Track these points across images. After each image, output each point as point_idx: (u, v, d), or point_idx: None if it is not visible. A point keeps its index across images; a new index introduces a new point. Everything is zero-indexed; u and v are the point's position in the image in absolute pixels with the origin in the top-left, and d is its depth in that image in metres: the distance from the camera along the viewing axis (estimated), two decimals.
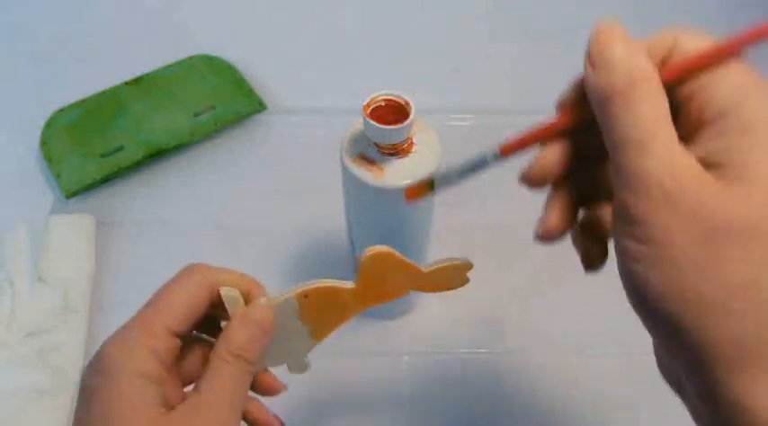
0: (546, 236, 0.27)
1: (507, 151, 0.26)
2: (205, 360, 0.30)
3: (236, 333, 0.29)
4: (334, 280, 0.31)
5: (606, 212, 0.28)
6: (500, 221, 0.55)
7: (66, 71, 0.70)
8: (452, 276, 0.32)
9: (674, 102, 0.23)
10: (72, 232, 0.55)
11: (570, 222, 0.27)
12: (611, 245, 0.26)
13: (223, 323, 0.31)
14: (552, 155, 0.26)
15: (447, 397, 0.50)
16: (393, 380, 0.50)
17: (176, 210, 0.59)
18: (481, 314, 0.53)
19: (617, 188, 0.22)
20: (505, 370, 0.51)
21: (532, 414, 0.49)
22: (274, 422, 0.33)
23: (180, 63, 0.68)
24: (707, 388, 0.21)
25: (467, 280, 0.32)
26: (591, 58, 0.23)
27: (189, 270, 0.31)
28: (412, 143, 0.38)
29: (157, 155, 0.61)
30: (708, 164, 0.21)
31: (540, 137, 0.26)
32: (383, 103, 0.37)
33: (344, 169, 0.39)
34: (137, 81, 0.66)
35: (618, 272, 0.23)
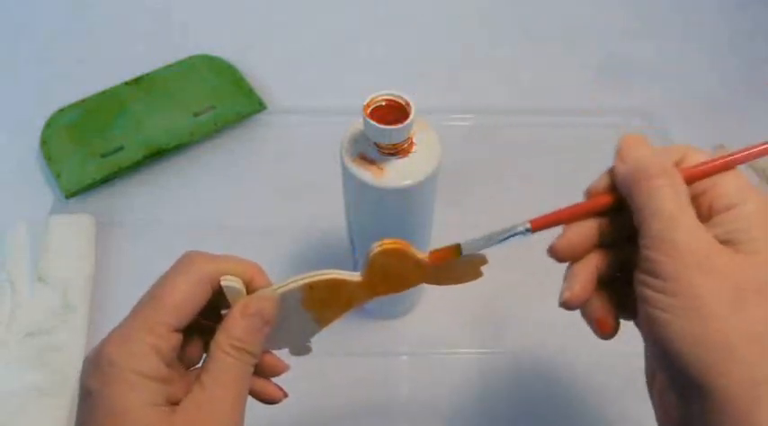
0: (570, 304, 0.30)
1: (538, 227, 0.29)
2: (206, 344, 0.29)
3: (236, 325, 0.29)
4: (340, 272, 0.31)
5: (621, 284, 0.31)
6: (500, 221, 0.55)
7: (66, 71, 0.70)
8: (467, 270, 0.31)
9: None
10: (72, 232, 0.55)
11: (591, 292, 0.30)
12: None
13: (223, 312, 0.30)
14: (580, 233, 0.30)
15: (447, 397, 0.50)
16: (393, 380, 0.50)
17: (176, 210, 0.59)
18: (481, 314, 0.53)
19: (646, 250, 0.26)
20: (505, 370, 0.51)
21: (532, 414, 0.49)
22: (277, 392, 0.33)
23: (180, 63, 0.68)
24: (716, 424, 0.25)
25: (480, 274, 0.31)
26: (621, 155, 0.29)
27: (188, 260, 0.30)
28: (412, 143, 0.38)
29: (157, 155, 0.61)
30: (722, 241, 0.26)
31: (571, 217, 0.30)
32: (383, 103, 0.37)
33: (344, 169, 0.39)
34: (137, 81, 0.66)
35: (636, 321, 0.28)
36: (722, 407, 0.24)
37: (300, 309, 0.31)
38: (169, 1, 0.76)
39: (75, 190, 0.59)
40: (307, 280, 0.30)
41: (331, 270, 0.31)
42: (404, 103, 0.36)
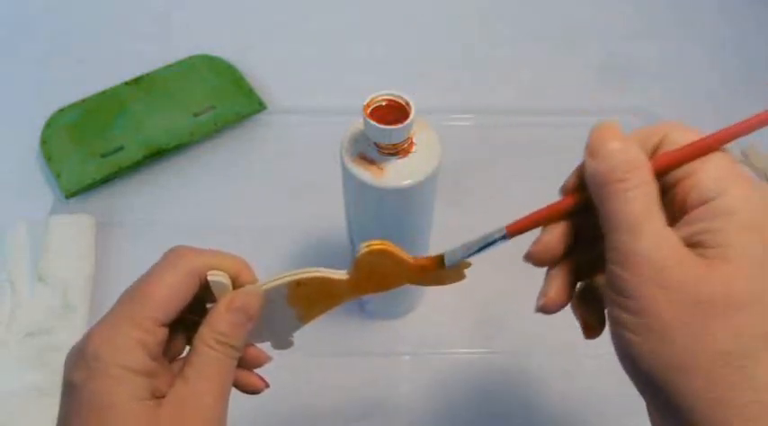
0: (546, 309, 0.28)
1: (513, 232, 0.28)
2: (189, 337, 0.29)
3: (221, 319, 0.29)
4: (327, 270, 0.31)
5: (602, 283, 0.29)
6: (499, 221, 0.55)
7: (66, 71, 0.70)
8: (450, 273, 0.31)
9: (663, 185, 0.25)
10: (72, 232, 0.55)
11: (570, 295, 0.29)
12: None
13: (209, 306, 0.30)
14: (554, 236, 0.28)
15: (447, 397, 0.50)
16: (393, 380, 0.50)
17: (176, 210, 0.59)
18: (480, 314, 0.53)
19: (610, 264, 0.24)
20: (505, 370, 0.51)
21: (532, 414, 0.49)
22: (259, 383, 0.33)
23: (180, 63, 0.68)
24: None
25: (463, 276, 0.32)
26: (590, 149, 0.26)
27: (175, 255, 0.30)
28: (412, 143, 0.38)
29: (157, 155, 0.61)
30: (692, 244, 0.24)
31: (544, 218, 0.28)
32: (383, 103, 0.36)
33: (344, 169, 0.39)
34: (137, 81, 0.66)
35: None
36: None
37: (285, 305, 0.31)
38: (169, 1, 0.76)
39: (75, 190, 0.59)
40: (294, 277, 0.31)
41: (318, 268, 0.31)
42: (404, 103, 0.36)
